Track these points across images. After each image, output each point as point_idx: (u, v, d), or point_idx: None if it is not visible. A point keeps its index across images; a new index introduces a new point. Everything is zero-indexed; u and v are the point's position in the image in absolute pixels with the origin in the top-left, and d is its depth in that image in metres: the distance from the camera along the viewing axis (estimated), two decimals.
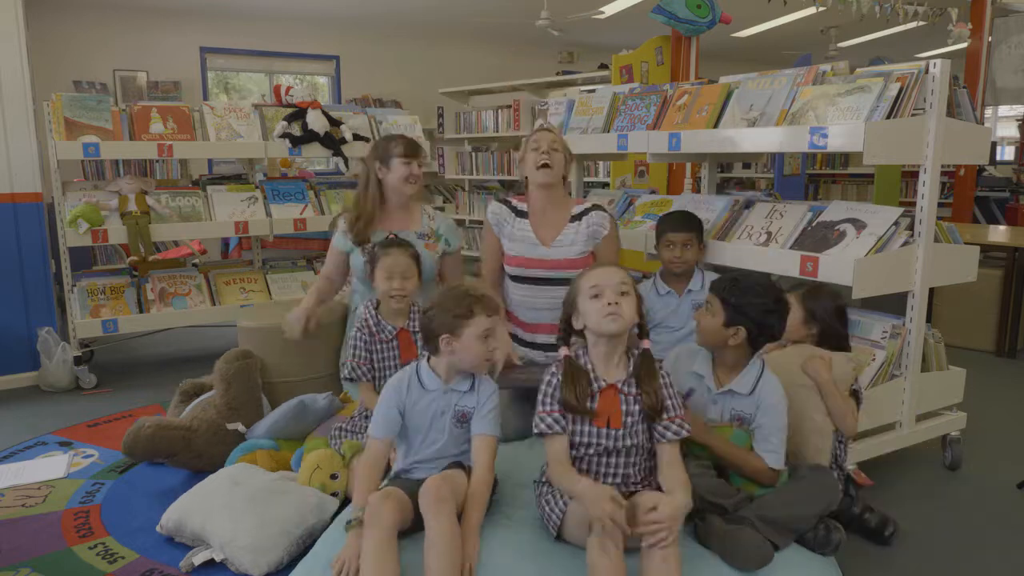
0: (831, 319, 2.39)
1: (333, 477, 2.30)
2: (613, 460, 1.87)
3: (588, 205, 2.77)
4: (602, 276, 1.88)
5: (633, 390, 1.87)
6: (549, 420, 1.85)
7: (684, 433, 1.87)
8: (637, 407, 1.86)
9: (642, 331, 1.94)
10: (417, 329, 2.48)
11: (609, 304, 1.82)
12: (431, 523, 1.74)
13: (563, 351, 1.92)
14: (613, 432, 1.85)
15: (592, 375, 1.88)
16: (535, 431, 1.87)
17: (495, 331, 1.96)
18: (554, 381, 1.88)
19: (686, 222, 2.73)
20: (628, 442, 1.86)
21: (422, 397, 1.99)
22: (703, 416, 2.08)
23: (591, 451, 1.86)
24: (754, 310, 2.00)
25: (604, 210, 2.77)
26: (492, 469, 1.97)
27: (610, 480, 1.86)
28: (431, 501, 1.77)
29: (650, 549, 1.66)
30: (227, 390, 2.66)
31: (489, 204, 2.84)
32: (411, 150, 2.83)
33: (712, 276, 2.76)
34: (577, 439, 1.86)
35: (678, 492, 1.78)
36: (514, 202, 2.81)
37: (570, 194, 2.90)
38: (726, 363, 2.08)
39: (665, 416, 1.85)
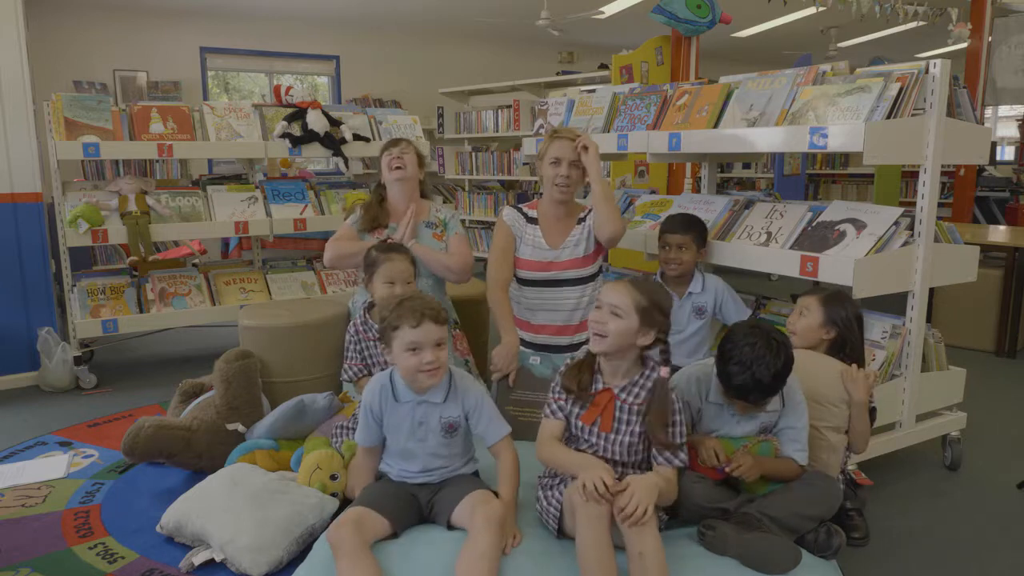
0: (849, 326, 2.34)
1: (333, 478, 2.30)
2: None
3: (590, 208, 2.78)
4: (604, 293, 1.91)
5: (631, 399, 1.88)
6: (555, 406, 1.93)
7: (677, 463, 1.87)
8: (636, 421, 1.87)
9: (663, 356, 1.90)
10: None
11: (595, 323, 1.87)
12: (482, 536, 1.76)
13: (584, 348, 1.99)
14: (603, 435, 1.88)
15: (597, 375, 1.93)
16: (543, 414, 1.95)
17: (426, 345, 1.87)
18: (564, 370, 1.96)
19: (683, 224, 2.71)
20: (619, 454, 1.87)
21: (396, 409, 1.98)
22: (727, 435, 2.06)
23: (588, 449, 1.90)
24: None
25: None
26: (516, 455, 2.01)
27: None
28: (482, 519, 1.79)
29: (632, 546, 1.67)
30: (227, 390, 2.66)
31: (504, 208, 2.87)
32: (391, 143, 3.03)
33: (713, 278, 2.76)
34: (571, 432, 1.93)
35: (654, 474, 1.83)
36: (525, 209, 2.83)
37: (585, 196, 2.89)
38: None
39: (667, 443, 1.86)
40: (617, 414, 1.88)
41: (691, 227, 2.71)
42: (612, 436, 1.87)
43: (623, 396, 1.88)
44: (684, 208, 3.02)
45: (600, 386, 1.90)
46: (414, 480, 2.01)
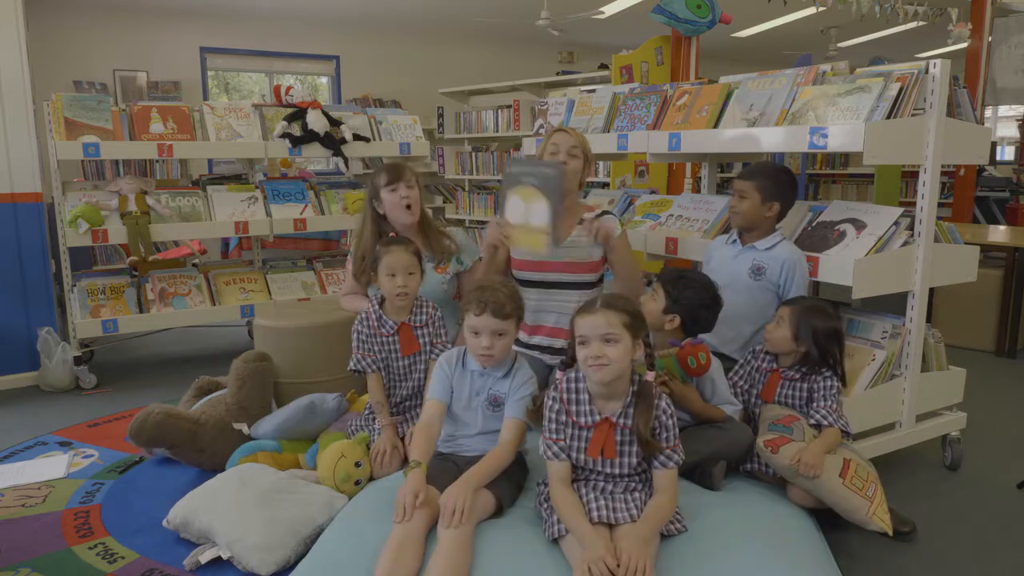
0: (822, 341, 2.25)
1: (357, 465, 2.32)
2: (611, 487, 1.89)
3: (597, 212, 2.70)
4: (587, 326, 1.83)
5: (628, 421, 1.86)
6: (555, 448, 1.89)
7: (672, 464, 1.86)
8: (633, 436, 1.87)
9: (649, 361, 1.92)
10: (418, 324, 2.54)
11: (593, 358, 1.80)
12: (444, 533, 1.79)
13: (558, 374, 1.96)
14: (608, 461, 1.88)
15: (588, 407, 1.88)
16: (540, 453, 1.93)
17: (484, 332, 2.04)
18: (556, 407, 1.90)
19: (748, 171, 2.57)
20: (624, 469, 1.88)
21: (464, 377, 2.14)
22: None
23: (593, 475, 1.91)
24: (691, 303, 2.28)
25: (612, 213, 2.72)
26: (515, 447, 2.06)
27: (616, 513, 1.82)
28: (447, 516, 1.82)
29: None
30: (240, 389, 2.67)
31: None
32: (392, 176, 2.83)
33: (791, 247, 2.53)
34: (574, 462, 1.90)
35: (645, 523, 1.78)
36: None
37: (585, 195, 2.86)
38: (661, 345, 2.23)
39: (657, 448, 1.85)
40: (618, 438, 1.87)
41: (755, 175, 2.53)
42: (616, 460, 1.87)
43: (621, 421, 1.86)
44: (684, 208, 3.02)
45: (597, 417, 1.87)
46: (463, 453, 2.12)
